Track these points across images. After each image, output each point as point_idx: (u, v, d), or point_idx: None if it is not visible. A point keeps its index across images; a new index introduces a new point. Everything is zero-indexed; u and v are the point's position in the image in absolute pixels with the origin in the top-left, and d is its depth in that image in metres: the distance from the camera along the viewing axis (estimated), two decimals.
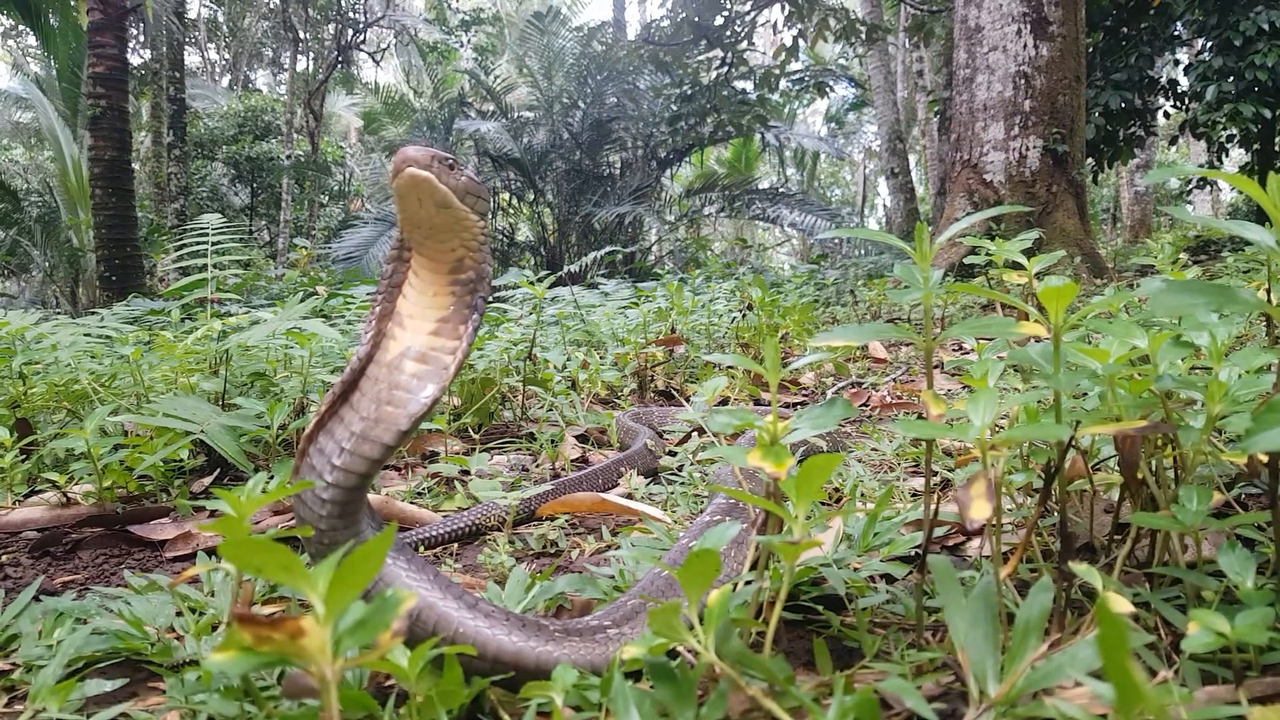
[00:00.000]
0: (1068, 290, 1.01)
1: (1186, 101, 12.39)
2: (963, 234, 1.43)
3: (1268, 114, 10.76)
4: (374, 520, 1.11)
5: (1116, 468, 1.25)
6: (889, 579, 1.40)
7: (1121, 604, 0.91)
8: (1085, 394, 1.35)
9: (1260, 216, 1.26)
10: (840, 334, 1.06)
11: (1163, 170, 1.00)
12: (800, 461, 0.99)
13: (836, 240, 15.28)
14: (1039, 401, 1.36)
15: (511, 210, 18.33)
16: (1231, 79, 10.79)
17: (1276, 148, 11.85)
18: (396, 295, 1.12)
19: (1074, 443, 1.13)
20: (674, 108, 14.76)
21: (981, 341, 1.68)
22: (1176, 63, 15.04)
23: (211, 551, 1.81)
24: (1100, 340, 1.19)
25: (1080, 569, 0.99)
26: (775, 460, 1.00)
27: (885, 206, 26.89)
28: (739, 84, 14.70)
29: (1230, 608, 0.97)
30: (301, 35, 20.42)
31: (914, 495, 2.02)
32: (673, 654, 1.07)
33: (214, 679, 1.04)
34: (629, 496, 2.13)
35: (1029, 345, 1.16)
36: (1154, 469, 1.24)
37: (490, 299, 1.27)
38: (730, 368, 3.63)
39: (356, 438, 1.04)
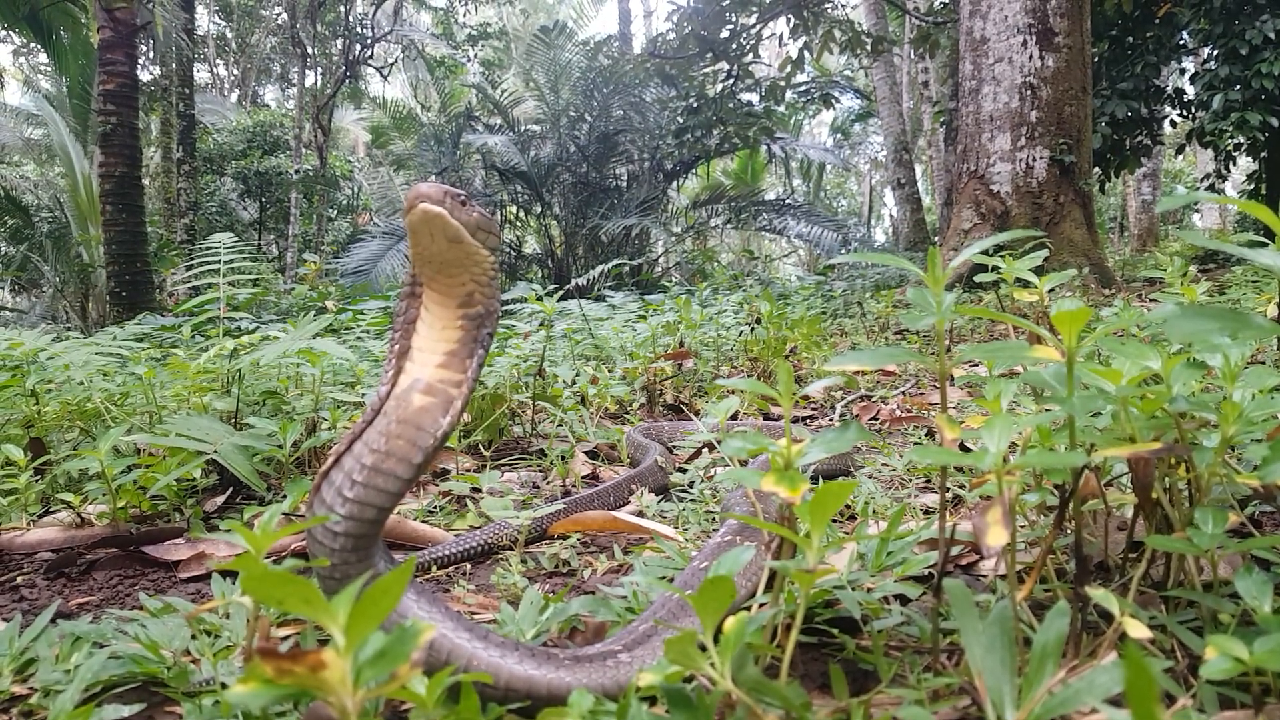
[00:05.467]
0: (1082, 314, 1.01)
1: (1193, 110, 12.38)
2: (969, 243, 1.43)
3: (1275, 122, 10.74)
4: (387, 554, 1.12)
5: (1130, 486, 1.25)
6: (903, 599, 1.39)
7: (1140, 630, 0.91)
8: (1098, 413, 1.34)
9: (1269, 230, 1.26)
10: (855, 358, 1.06)
11: (1174, 199, 1.01)
12: (808, 474, 0.99)
13: (843, 250, 15.29)
14: (1052, 422, 1.36)
15: (519, 223, 18.38)
16: (1238, 87, 10.78)
17: None
18: (412, 332, 1.12)
19: (1087, 464, 1.13)
20: (680, 120, 14.81)
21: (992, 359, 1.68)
22: (1183, 72, 15.02)
23: (226, 572, 1.81)
24: (1112, 358, 1.19)
25: (1097, 594, 0.99)
26: (790, 485, 1.00)
27: (892, 217, 26.91)
28: (745, 96, 14.76)
29: (1248, 631, 0.96)
30: (310, 51, 20.55)
31: (926, 512, 2.02)
32: (688, 678, 1.06)
33: (232, 706, 1.05)
34: (640, 514, 2.13)
35: (1042, 366, 1.16)
36: (1168, 488, 1.24)
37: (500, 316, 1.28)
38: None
39: (369, 470, 1.04)
